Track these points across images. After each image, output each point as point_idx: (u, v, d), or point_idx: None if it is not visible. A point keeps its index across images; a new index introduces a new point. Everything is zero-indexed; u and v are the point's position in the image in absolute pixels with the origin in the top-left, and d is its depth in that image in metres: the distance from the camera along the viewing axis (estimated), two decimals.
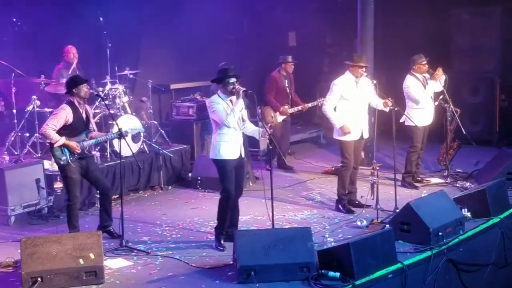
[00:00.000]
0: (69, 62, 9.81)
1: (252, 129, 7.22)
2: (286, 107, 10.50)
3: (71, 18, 10.44)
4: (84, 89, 7.16)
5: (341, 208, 8.25)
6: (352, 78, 8.15)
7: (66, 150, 7.07)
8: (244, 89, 6.88)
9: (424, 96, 9.07)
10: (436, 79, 9.12)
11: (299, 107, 10.59)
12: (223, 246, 7.00)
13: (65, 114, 7.04)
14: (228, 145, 6.97)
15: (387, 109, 8.16)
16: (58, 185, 8.36)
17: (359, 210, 8.16)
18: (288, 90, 10.62)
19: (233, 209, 7.17)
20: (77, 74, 8.92)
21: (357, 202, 8.38)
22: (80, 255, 6.03)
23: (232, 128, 6.93)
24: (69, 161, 7.09)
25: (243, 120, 7.09)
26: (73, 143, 7.09)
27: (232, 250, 6.38)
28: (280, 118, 10.50)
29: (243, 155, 7.14)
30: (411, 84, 9.13)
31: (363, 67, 8.13)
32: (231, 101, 6.97)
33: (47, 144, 7.59)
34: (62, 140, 7.04)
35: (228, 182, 7.00)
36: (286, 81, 10.64)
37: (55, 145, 7.04)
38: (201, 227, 7.83)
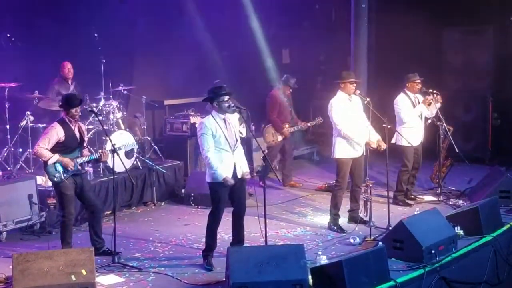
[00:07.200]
0: (65, 78, 9.81)
1: None
2: (287, 126, 10.45)
3: (66, 34, 10.45)
4: (72, 111, 7.11)
5: (333, 227, 8.22)
6: (345, 97, 8.15)
7: (60, 167, 7.06)
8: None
9: (410, 116, 9.07)
10: (425, 104, 9.16)
11: (299, 126, 10.57)
12: (211, 264, 6.93)
13: (55, 133, 7.04)
14: (219, 167, 6.84)
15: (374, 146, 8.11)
16: (52, 200, 8.34)
17: (352, 227, 8.15)
18: (290, 108, 10.62)
19: (238, 227, 7.13)
20: (74, 95, 8.63)
21: (360, 218, 8.29)
22: (72, 272, 5.99)
23: (222, 150, 6.88)
24: (63, 178, 7.08)
25: (237, 140, 7.00)
26: (66, 159, 7.08)
27: (225, 266, 6.36)
28: (280, 138, 10.47)
29: (238, 176, 6.98)
30: (401, 102, 9.14)
31: (353, 83, 8.14)
32: (224, 120, 6.94)
33: (40, 160, 7.56)
34: (56, 157, 7.03)
35: (217, 202, 6.96)
36: (286, 98, 10.66)
37: (49, 162, 7.03)
38: (194, 243, 7.81)
